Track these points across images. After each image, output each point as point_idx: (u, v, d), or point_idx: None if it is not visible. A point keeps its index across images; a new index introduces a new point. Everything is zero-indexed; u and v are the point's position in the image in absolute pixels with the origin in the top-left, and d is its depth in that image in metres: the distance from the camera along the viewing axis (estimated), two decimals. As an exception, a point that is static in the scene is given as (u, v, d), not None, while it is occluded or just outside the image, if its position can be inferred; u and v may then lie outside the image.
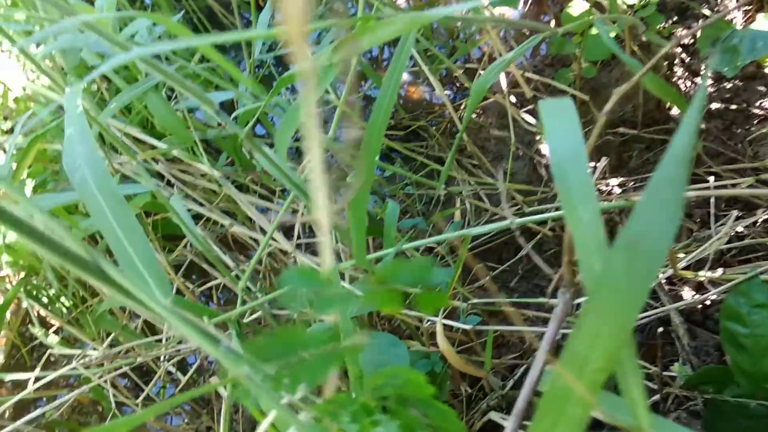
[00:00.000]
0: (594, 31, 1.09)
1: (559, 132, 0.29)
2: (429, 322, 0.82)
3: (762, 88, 1.19)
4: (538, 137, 1.23)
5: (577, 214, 0.27)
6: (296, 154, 1.38)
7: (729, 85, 1.20)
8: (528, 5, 1.35)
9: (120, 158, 1.14)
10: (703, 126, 1.15)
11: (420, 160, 1.21)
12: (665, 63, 1.21)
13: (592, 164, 1.15)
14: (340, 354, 0.29)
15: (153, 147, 1.07)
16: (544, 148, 1.22)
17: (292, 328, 0.29)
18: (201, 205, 1.13)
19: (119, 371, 0.92)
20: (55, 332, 1.28)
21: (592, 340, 0.21)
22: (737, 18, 1.22)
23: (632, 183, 1.13)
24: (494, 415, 0.80)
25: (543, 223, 1.13)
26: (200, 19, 1.58)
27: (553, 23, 1.33)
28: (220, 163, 1.14)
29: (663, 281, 0.98)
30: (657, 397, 0.84)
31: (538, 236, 1.12)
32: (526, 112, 1.16)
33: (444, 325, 0.84)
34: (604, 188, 1.14)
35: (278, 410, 0.29)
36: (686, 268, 0.97)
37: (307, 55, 0.21)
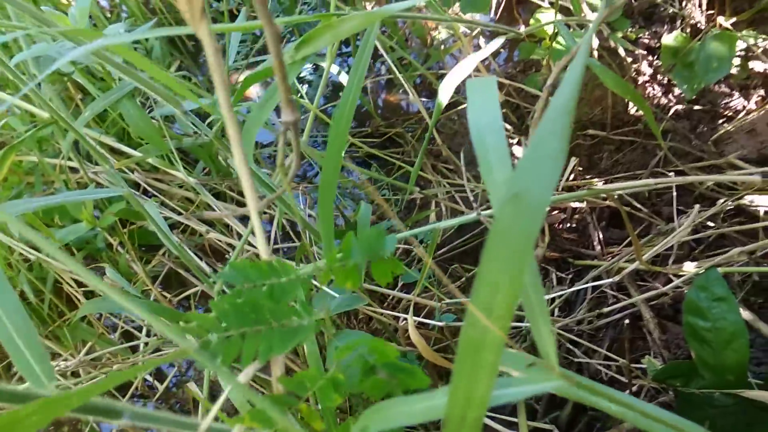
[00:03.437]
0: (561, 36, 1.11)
1: (480, 105, 0.30)
2: (405, 321, 0.83)
3: (726, 89, 1.22)
4: (510, 140, 1.26)
5: (493, 176, 0.28)
6: (273, 161, 1.39)
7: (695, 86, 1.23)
8: (499, 13, 1.38)
9: (95, 168, 1.14)
10: (670, 126, 1.18)
11: (397, 164, 1.23)
12: (632, 65, 1.24)
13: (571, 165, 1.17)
14: (306, 328, 0.30)
15: (129, 157, 1.07)
16: (517, 151, 1.24)
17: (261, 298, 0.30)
18: (178, 213, 1.13)
19: (95, 380, 0.91)
20: None
21: (492, 288, 0.22)
22: (701, 22, 1.26)
23: (602, 183, 1.16)
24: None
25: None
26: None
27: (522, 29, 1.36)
28: (197, 171, 1.14)
29: (632, 276, 1.00)
30: (629, 390, 0.86)
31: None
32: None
33: (420, 324, 0.86)
34: (576, 187, 1.17)
35: (234, 385, 0.30)
36: (655, 263, 0.99)
37: (208, 34, 0.22)
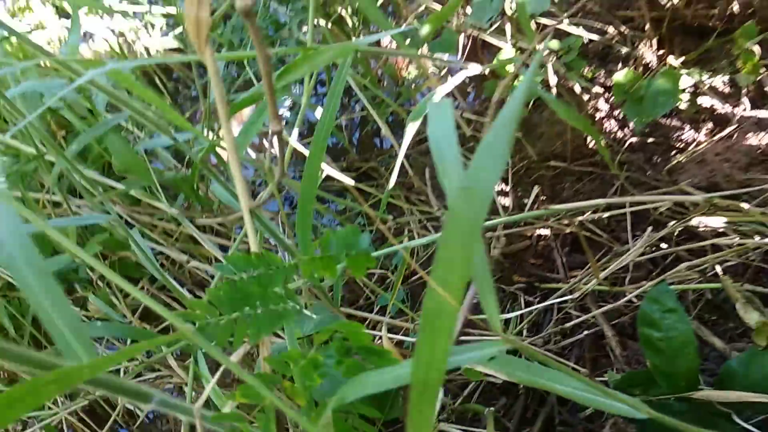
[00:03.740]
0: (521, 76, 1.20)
1: (438, 120, 0.36)
2: (380, 340, 0.87)
3: (678, 123, 1.32)
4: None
5: (449, 177, 0.33)
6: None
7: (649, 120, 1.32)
8: (465, 54, 1.46)
9: (78, 201, 1.17)
10: (626, 158, 1.26)
11: (372, 192, 1.28)
12: (589, 102, 1.33)
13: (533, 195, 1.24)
14: (289, 312, 0.35)
15: (113, 189, 1.11)
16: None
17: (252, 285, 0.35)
18: (159, 244, 1.17)
19: (77, 406, 0.93)
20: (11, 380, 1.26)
21: (448, 264, 0.27)
22: (653, 61, 1.36)
23: (566, 212, 1.23)
24: (444, 426, 0.84)
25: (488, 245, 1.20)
26: (156, 71, 1.65)
27: (487, 70, 1.45)
28: (178, 203, 1.18)
29: (593, 296, 1.06)
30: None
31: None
32: (466, 149, 1.25)
33: (397, 343, 0.90)
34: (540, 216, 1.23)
35: (227, 363, 0.34)
36: (616, 284, 1.05)
37: (212, 59, 0.27)
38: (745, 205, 0.89)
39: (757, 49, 1.14)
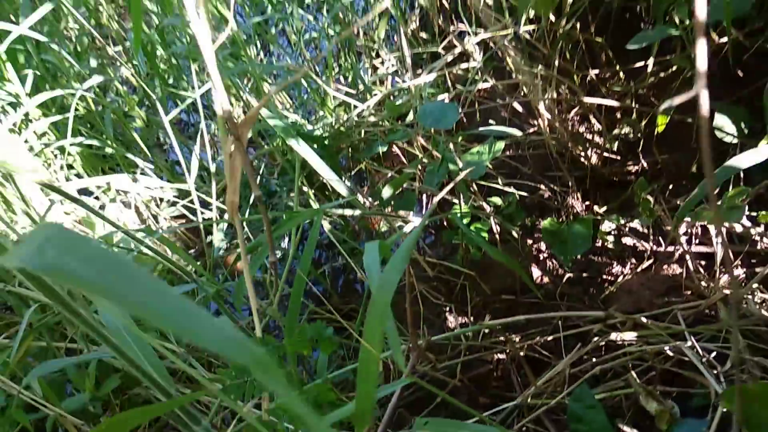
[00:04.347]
0: (473, 225, 1.46)
1: (371, 252, 0.58)
2: None
3: (607, 260, 1.56)
4: (444, 308, 1.54)
5: (373, 284, 0.55)
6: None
7: (583, 259, 1.57)
8: (426, 208, 1.74)
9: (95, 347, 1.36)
10: (566, 290, 1.49)
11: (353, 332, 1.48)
12: (533, 246, 1.59)
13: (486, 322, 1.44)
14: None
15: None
16: (450, 318, 1.51)
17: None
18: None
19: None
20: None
21: (372, 328, 0.48)
22: (582, 210, 1.64)
23: (519, 338, 1.42)
24: None
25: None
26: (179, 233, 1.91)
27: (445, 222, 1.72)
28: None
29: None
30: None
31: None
32: (428, 287, 1.48)
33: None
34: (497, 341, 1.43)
35: (240, 411, 0.53)
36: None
37: (240, 224, 0.49)
38: (651, 323, 1.11)
39: (653, 197, 1.43)
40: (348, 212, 0.98)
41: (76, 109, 1.81)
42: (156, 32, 1.51)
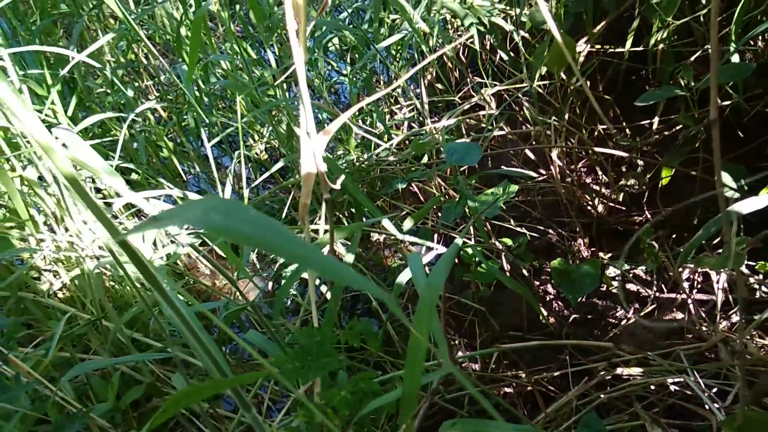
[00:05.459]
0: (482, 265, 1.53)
1: (415, 260, 0.65)
2: None
3: (611, 304, 1.63)
4: (453, 342, 1.59)
5: (420, 286, 0.62)
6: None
7: (588, 302, 1.63)
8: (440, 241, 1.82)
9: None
10: (572, 331, 1.55)
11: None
12: (540, 287, 1.65)
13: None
14: (331, 363, 0.61)
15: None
16: (459, 353, 1.57)
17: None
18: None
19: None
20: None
21: (420, 320, 0.55)
22: (588, 255, 1.72)
23: (523, 375, 1.47)
24: None
25: None
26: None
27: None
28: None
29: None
30: None
31: None
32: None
33: None
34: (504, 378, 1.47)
35: (296, 393, 0.59)
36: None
37: (307, 226, 0.57)
38: (656, 358, 1.17)
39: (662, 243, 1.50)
40: (374, 237, 1.05)
41: (110, 135, 1.90)
42: (200, 68, 1.62)
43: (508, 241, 1.62)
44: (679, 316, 1.52)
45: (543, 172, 1.86)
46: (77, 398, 1.33)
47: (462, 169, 1.89)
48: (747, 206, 1.00)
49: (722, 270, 1.34)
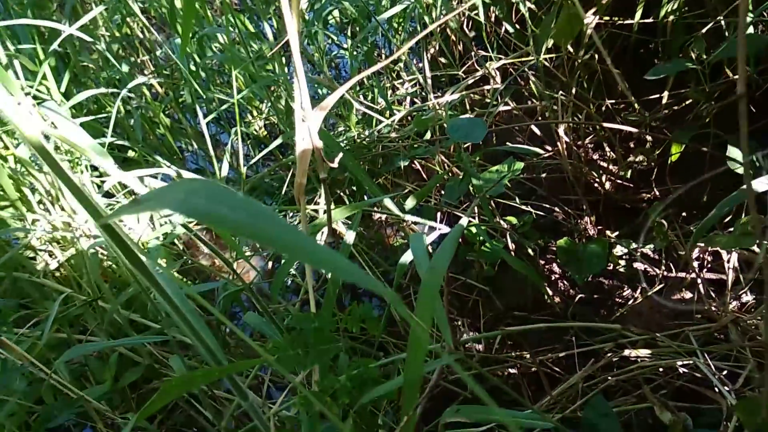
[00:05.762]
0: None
1: (417, 240, 0.62)
2: None
3: (618, 283, 1.60)
4: (456, 321, 1.57)
5: (422, 269, 0.59)
6: None
7: (594, 281, 1.60)
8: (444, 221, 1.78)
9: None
10: (577, 310, 1.52)
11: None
12: (545, 266, 1.62)
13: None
14: (331, 350, 0.58)
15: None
16: (462, 328, 1.54)
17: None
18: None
19: None
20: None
21: (422, 308, 0.52)
22: (594, 234, 1.68)
23: (528, 355, 1.45)
24: None
25: None
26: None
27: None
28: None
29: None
30: None
31: None
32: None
33: None
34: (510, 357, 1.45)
35: (293, 380, 0.56)
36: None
37: (303, 203, 0.53)
38: (664, 339, 1.14)
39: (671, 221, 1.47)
40: (376, 216, 1.02)
41: (104, 112, 1.86)
42: (196, 42, 1.57)
43: (513, 220, 1.58)
44: (688, 296, 1.49)
45: (549, 148, 1.81)
46: (75, 380, 1.31)
47: (466, 145, 1.85)
48: (761, 185, 0.96)
49: (733, 249, 1.31)
